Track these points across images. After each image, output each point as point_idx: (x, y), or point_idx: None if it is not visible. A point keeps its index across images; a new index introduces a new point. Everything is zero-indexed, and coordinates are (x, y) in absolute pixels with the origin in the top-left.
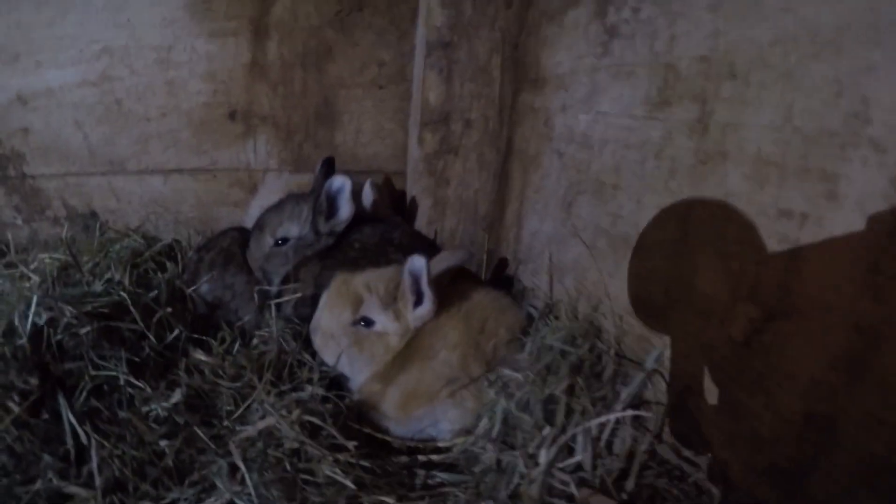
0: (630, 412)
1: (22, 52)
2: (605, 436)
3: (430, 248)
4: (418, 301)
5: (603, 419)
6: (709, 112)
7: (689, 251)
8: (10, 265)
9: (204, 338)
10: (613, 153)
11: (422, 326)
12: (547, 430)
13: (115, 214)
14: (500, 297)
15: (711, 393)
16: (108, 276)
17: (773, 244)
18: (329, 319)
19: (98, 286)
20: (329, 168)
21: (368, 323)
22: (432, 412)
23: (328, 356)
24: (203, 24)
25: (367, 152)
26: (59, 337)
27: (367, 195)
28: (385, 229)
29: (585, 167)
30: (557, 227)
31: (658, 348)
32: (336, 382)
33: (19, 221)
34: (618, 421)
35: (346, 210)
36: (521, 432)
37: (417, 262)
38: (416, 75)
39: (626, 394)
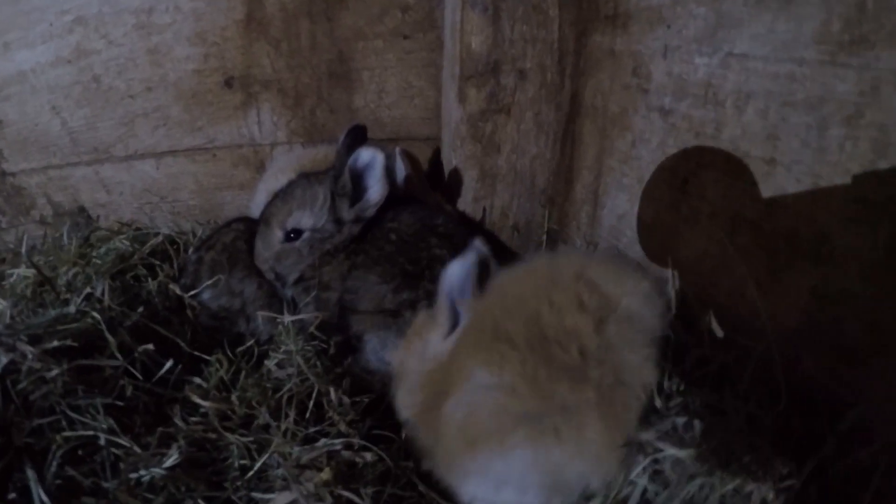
0: None
1: None
2: None
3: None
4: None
5: None
6: None
7: None
8: None
9: (207, 358)
10: (764, 113)
11: None
12: None
13: (105, 209)
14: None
15: None
16: (87, 289)
17: None
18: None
19: (72, 306)
20: (355, 138)
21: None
22: (501, 459)
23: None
24: None
25: (392, 115)
26: (22, 385)
27: (399, 169)
28: (425, 215)
29: (712, 131)
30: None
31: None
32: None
33: (4, 224)
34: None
35: (376, 190)
36: None
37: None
38: (451, 18)
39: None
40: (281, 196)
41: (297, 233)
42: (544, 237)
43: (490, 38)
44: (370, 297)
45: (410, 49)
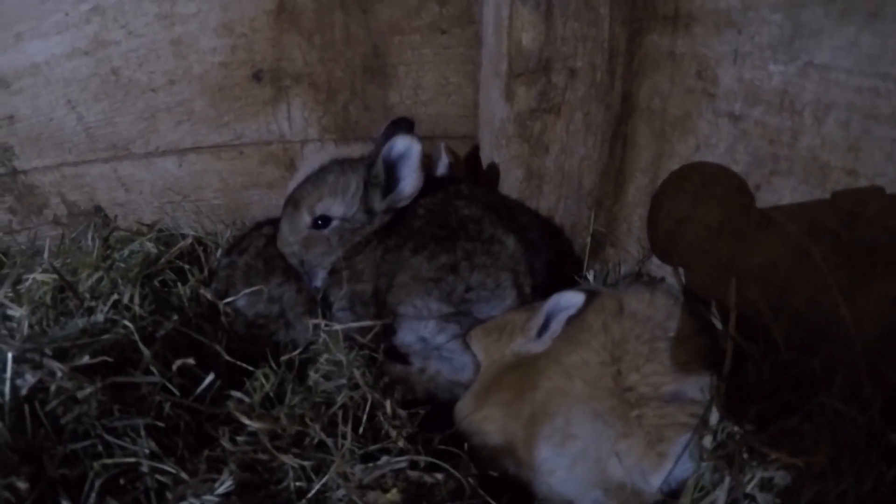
0: None
1: None
2: None
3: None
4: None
5: None
6: None
7: None
8: None
9: (249, 369)
10: (845, 125)
11: None
12: None
13: (124, 208)
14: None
15: None
16: (114, 296)
17: None
18: None
19: (100, 315)
20: (399, 130)
21: None
22: None
23: None
24: None
25: (428, 112)
26: (51, 406)
27: (443, 162)
28: (447, 184)
29: (788, 139)
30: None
31: None
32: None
33: (15, 225)
34: None
35: (409, 182)
36: None
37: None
38: (496, 13)
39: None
40: (312, 179)
41: (326, 220)
42: (588, 240)
43: (542, 34)
44: (405, 270)
45: (448, 44)
